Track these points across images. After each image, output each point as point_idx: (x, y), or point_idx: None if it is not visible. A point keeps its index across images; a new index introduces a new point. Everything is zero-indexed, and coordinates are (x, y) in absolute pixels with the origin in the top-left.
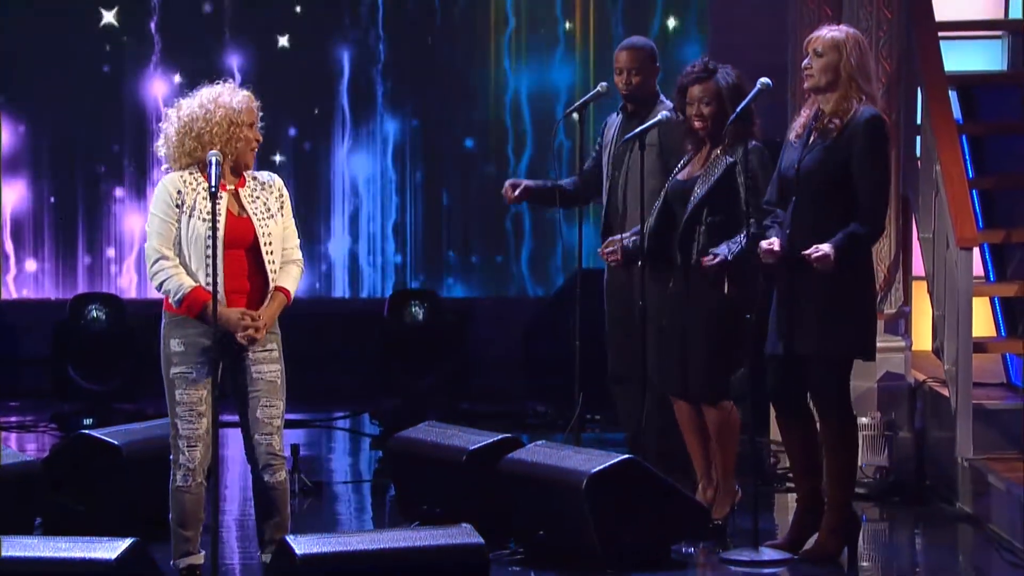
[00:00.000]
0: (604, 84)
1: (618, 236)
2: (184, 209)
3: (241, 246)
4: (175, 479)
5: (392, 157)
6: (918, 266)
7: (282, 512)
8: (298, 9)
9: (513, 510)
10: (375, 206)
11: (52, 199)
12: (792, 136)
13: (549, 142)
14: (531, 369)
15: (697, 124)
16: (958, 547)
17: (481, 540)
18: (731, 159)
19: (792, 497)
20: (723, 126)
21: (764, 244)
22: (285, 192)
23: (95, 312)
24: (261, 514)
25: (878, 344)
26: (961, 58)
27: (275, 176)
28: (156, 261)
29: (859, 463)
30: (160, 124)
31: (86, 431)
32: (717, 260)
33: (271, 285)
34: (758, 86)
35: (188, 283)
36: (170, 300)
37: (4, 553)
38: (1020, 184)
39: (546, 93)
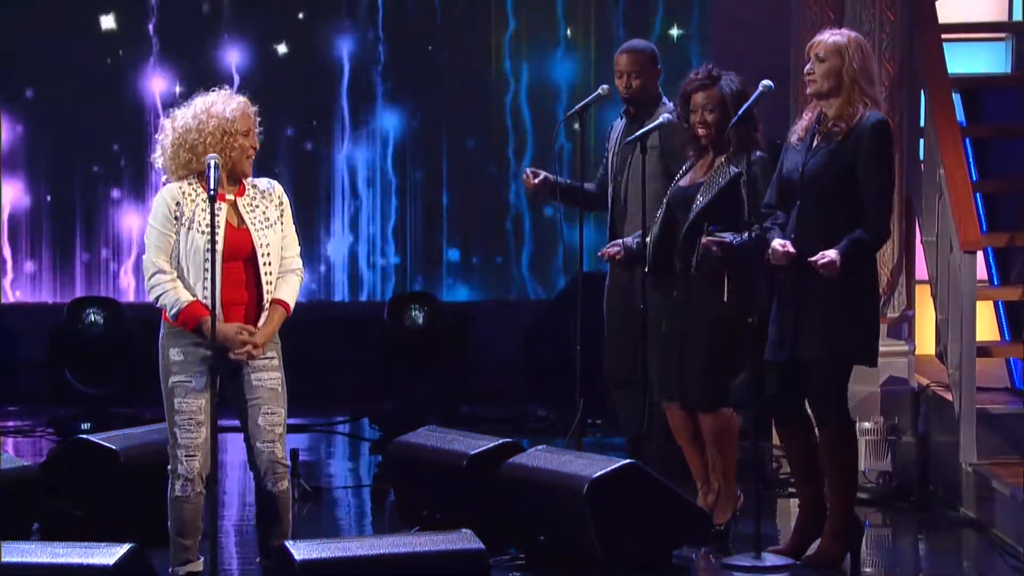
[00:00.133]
0: (605, 87)
1: (620, 240)
2: (183, 221)
3: (239, 257)
4: (174, 489)
5: (392, 158)
6: (921, 270)
7: (284, 519)
8: (297, 10)
9: (514, 515)
10: (375, 208)
11: (48, 198)
12: (794, 139)
13: (550, 144)
14: (532, 373)
15: (701, 131)
16: (962, 553)
17: (481, 545)
18: (736, 169)
19: (794, 502)
20: (730, 131)
21: (778, 245)
22: (285, 199)
23: (93, 316)
24: (263, 522)
25: (881, 348)
26: (965, 60)
27: (275, 183)
28: (154, 275)
29: (862, 468)
30: (156, 136)
31: (83, 436)
32: (723, 243)
33: (267, 296)
34: (760, 88)
35: (185, 297)
36: (167, 314)
37: (1, 559)
38: None
39: (547, 94)
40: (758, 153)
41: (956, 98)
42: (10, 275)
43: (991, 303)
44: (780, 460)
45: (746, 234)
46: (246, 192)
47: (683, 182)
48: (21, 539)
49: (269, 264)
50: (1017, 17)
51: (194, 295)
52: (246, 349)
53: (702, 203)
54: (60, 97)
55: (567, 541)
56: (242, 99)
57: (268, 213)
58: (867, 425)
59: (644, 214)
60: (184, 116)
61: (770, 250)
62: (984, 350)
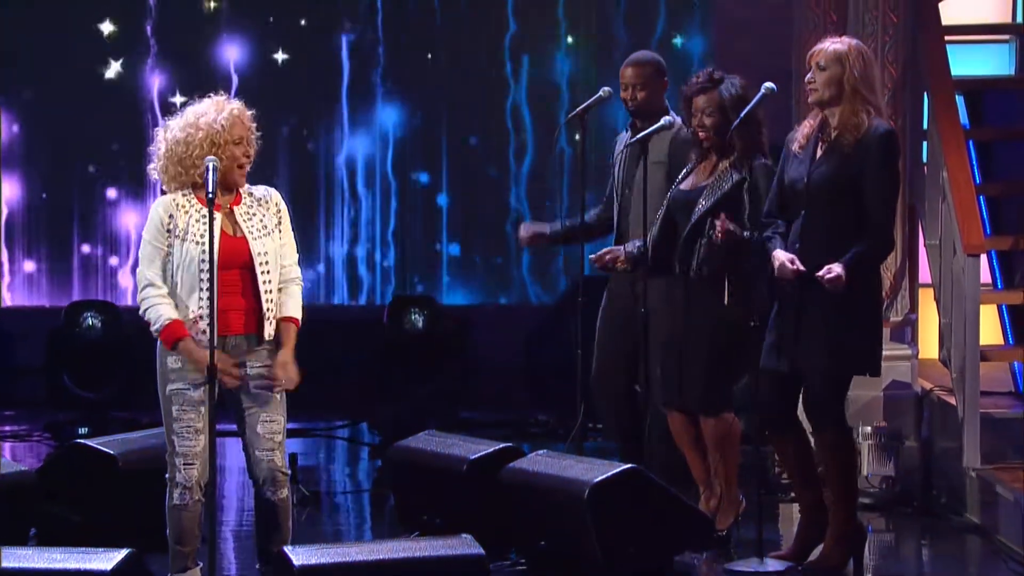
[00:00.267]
0: (607, 89)
1: (616, 248)
2: (176, 233)
3: (235, 266)
4: (172, 497)
5: (392, 161)
6: (924, 273)
7: (284, 527)
8: (296, 12)
9: (514, 520)
10: (374, 209)
11: (45, 197)
12: (795, 147)
13: (551, 146)
14: (532, 377)
15: (700, 135)
16: (965, 558)
17: (482, 551)
18: (739, 174)
19: (796, 507)
20: (729, 135)
21: (787, 262)
22: (283, 206)
23: (90, 320)
24: (262, 529)
25: (884, 352)
26: (968, 62)
27: (272, 191)
28: (143, 288)
29: (865, 473)
30: (150, 148)
31: (81, 440)
32: (732, 231)
33: (266, 304)
34: (762, 91)
35: (167, 315)
36: (152, 328)
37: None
38: None
39: (547, 96)
40: (762, 159)
41: (959, 100)
42: (7, 278)
43: (995, 307)
44: (782, 464)
45: (748, 233)
46: (243, 200)
47: (684, 185)
48: (18, 545)
49: (267, 272)
50: (1020, 19)
51: (187, 306)
52: (226, 381)
53: (705, 207)
54: (58, 96)
55: (568, 546)
56: (235, 106)
57: (265, 221)
58: (870, 430)
59: (645, 221)
60: (174, 128)
61: (777, 265)
62: (987, 354)
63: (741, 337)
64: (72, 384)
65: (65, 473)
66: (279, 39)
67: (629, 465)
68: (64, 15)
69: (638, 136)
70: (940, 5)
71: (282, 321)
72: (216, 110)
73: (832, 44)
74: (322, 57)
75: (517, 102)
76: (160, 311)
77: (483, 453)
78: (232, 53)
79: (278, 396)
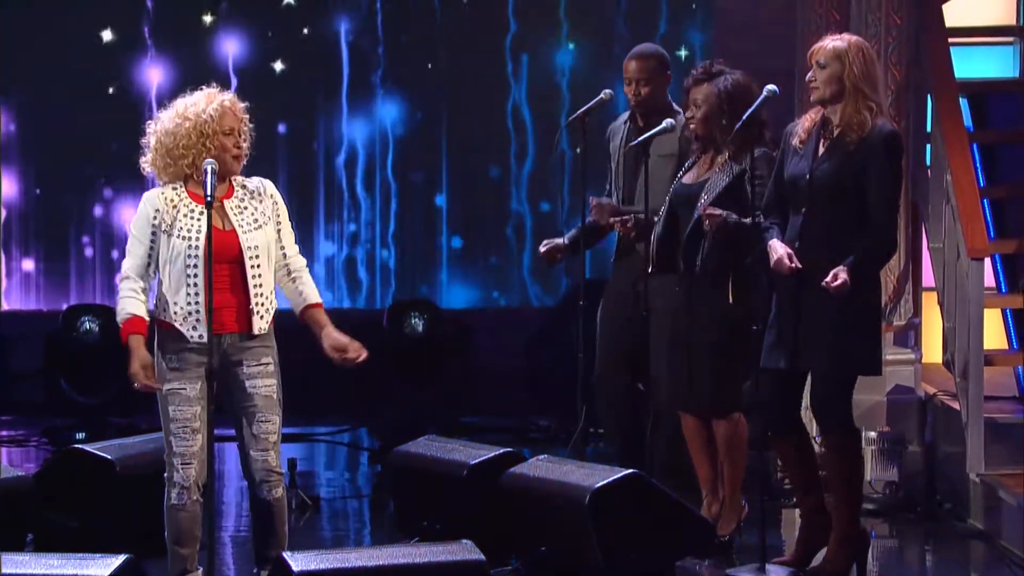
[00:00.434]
0: (608, 91)
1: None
2: (163, 228)
3: (224, 260)
4: (170, 497)
5: (392, 162)
6: (928, 277)
7: (279, 529)
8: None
9: (515, 526)
10: (374, 211)
11: (42, 196)
12: (795, 141)
13: (552, 147)
14: (533, 382)
15: (691, 126)
16: (969, 564)
17: (482, 556)
18: (739, 166)
19: (799, 512)
20: (716, 130)
21: (786, 258)
22: (278, 196)
23: (88, 324)
24: (258, 531)
25: (887, 356)
26: (972, 65)
27: (266, 182)
28: (122, 280)
29: (868, 478)
30: (142, 140)
31: (79, 445)
32: (722, 216)
33: (255, 299)
34: (764, 93)
35: (129, 310)
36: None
37: None
38: None
39: (548, 97)
40: (762, 149)
41: (963, 103)
42: (4, 282)
43: (999, 311)
44: (784, 468)
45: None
46: (234, 193)
47: (686, 179)
48: (15, 550)
49: (257, 267)
50: None
51: (175, 303)
52: (139, 384)
53: (707, 201)
54: (55, 93)
55: (569, 552)
56: (226, 97)
57: (257, 215)
58: (873, 435)
59: (647, 218)
60: (164, 119)
61: (775, 258)
62: (992, 358)
63: (744, 337)
64: (70, 389)
65: (63, 478)
66: (278, 39)
67: (630, 470)
68: (63, 14)
69: (639, 139)
70: (944, 7)
71: (308, 309)
72: (206, 101)
73: (832, 41)
74: (322, 58)
75: (518, 103)
76: (124, 304)
77: (483, 458)
78: (231, 43)
79: (274, 396)
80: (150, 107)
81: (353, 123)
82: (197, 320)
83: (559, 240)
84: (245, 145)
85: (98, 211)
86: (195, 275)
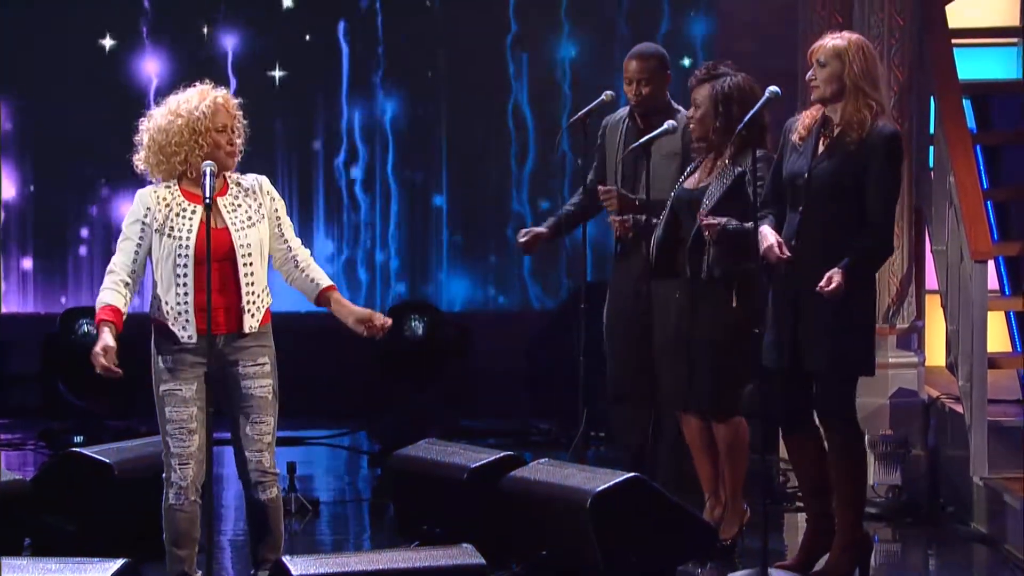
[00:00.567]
0: (609, 93)
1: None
2: (155, 227)
3: (216, 258)
4: (167, 498)
5: (392, 162)
6: (931, 279)
7: (275, 530)
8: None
9: (515, 530)
10: (374, 212)
11: (40, 195)
12: (794, 137)
13: (553, 150)
14: (534, 384)
15: (691, 127)
16: (973, 568)
17: (482, 560)
18: (739, 169)
19: (802, 517)
20: (712, 131)
21: (775, 244)
22: (275, 193)
23: (86, 326)
24: (254, 533)
25: (890, 359)
26: (975, 66)
27: (262, 178)
28: (107, 274)
29: (871, 482)
30: (135, 138)
31: (77, 449)
32: (720, 225)
33: (246, 297)
34: (766, 94)
35: (105, 299)
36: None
37: None
38: None
39: (549, 98)
40: (762, 151)
41: (966, 104)
42: (2, 284)
43: (1002, 313)
44: (787, 473)
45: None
46: (228, 191)
47: (688, 184)
48: (13, 555)
49: (249, 265)
50: None
51: (165, 302)
52: (101, 366)
53: (708, 206)
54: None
55: (569, 556)
56: (220, 94)
57: (251, 212)
58: (876, 438)
59: (647, 220)
60: (157, 116)
61: (765, 245)
62: (995, 361)
63: (746, 340)
64: (67, 392)
65: (60, 482)
66: (278, 40)
67: (631, 474)
68: (62, 14)
69: (640, 142)
70: (947, 8)
71: (323, 292)
72: (199, 98)
73: (832, 39)
74: (322, 58)
75: (518, 103)
76: (102, 295)
77: (484, 462)
78: (230, 47)
79: (268, 397)
80: (148, 106)
81: (353, 123)
82: (187, 320)
83: (540, 229)
84: (239, 141)
85: (96, 211)
86: (185, 274)
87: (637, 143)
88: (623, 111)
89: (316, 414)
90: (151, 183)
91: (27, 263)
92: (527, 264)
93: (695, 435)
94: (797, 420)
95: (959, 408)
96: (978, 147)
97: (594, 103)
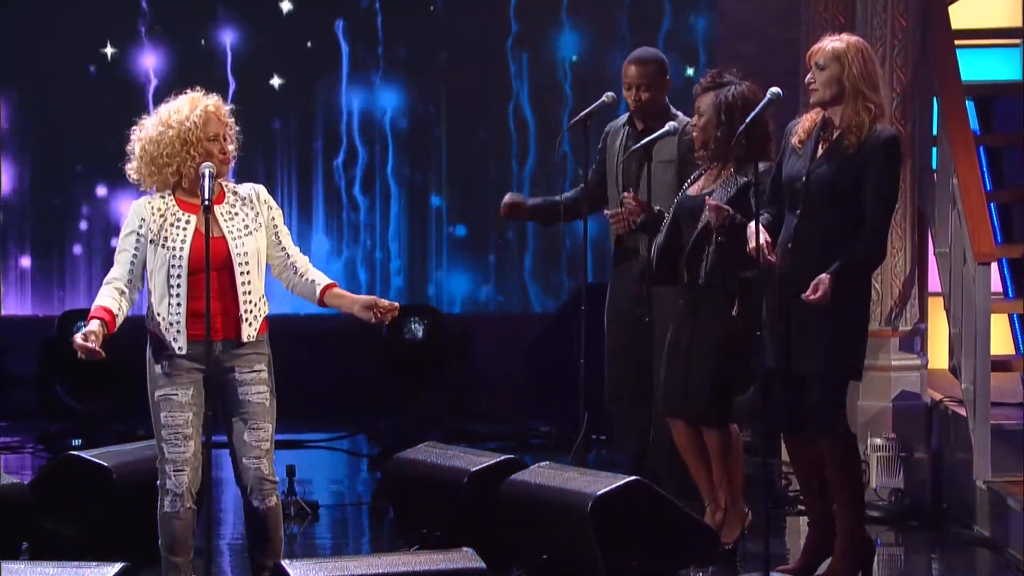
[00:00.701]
0: (610, 94)
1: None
2: (150, 238)
3: (213, 267)
4: (163, 505)
5: (392, 163)
6: (934, 282)
7: (274, 538)
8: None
9: (516, 533)
10: (374, 212)
11: (37, 195)
12: (794, 140)
13: (553, 151)
14: (535, 387)
15: (694, 135)
16: (976, 572)
17: (483, 565)
18: (744, 179)
19: (804, 520)
20: (714, 139)
21: (761, 243)
22: (272, 203)
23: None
24: (253, 540)
25: (893, 362)
26: (978, 67)
27: (259, 187)
28: (103, 285)
29: (874, 485)
30: (127, 147)
31: (75, 452)
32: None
33: (244, 306)
34: (768, 96)
35: (98, 302)
36: None
37: None
38: None
39: (550, 99)
40: (765, 164)
41: (969, 105)
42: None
43: (1006, 316)
44: (789, 477)
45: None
46: (225, 199)
47: (691, 191)
48: (11, 558)
49: (247, 274)
50: None
51: (159, 313)
52: (83, 347)
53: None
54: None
55: (570, 560)
56: (211, 102)
57: (248, 220)
58: (878, 441)
59: (650, 215)
60: (148, 127)
61: (751, 245)
62: (999, 364)
63: (745, 347)
64: (65, 394)
65: (58, 485)
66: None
67: (633, 477)
68: (60, 14)
69: (641, 143)
70: (950, 8)
71: (325, 290)
72: (190, 107)
73: (831, 42)
74: (321, 58)
75: (519, 103)
76: (96, 300)
77: (484, 465)
78: (228, 35)
79: (266, 404)
80: (147, 106)
81: (353, 123)
82: (179, 331)
83: (524, 200)
84: (231, 148)
85: (95, 210)
86: (178, 284)
87: (637, 145)
88: (624, 117)
89: (315, 417)
90: (146, 193)
91: (25, 261)
92: (528, 265)
93: (685, 441)
94: (795, 422)
95: (962, 411)
96: (981, 148)
97: (595, 104)
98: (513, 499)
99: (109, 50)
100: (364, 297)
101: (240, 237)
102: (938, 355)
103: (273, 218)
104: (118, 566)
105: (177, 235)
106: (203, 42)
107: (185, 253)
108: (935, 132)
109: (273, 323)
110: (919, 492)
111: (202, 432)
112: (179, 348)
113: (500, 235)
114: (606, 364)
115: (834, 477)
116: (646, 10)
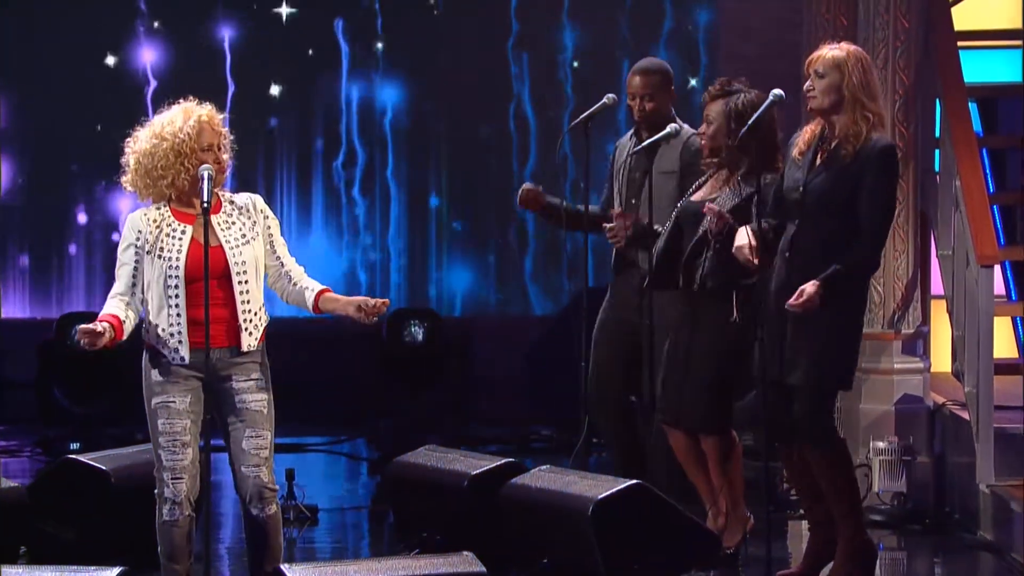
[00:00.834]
0: (611, 96)
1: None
2: (147, 249)
3: (211, 276)
4: (161, 514)
5: (391, 163)
6: (937, 285)
7: (274, 545)
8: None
9: (516, 537)
10: (373, 215)
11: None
12: (795, 152)
13: (554, 152)
14: (535, 391)
15: (703, 143)
16: None
17: (483, 569)
18: (749, 188)
19: (806, 524)
20: (724, 147)
21: (745, 246)
22: (268, 212)
23: None
24: (252, 547)
25: (895, 365)
26: (981, 68)
27: (256, 197)
28: (107, 300)
29: (876, 489)
30: (122, 159)
31: (73, 456)
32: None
33: (242, 315)
34: (770, 98)
35: (106, 309)
36: None
37: None
38: None
39: (551, 100)
40: (771, 175)
41: (972, 107)
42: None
43: (1009, 319)
44: (791, 478)
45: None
46: (222, 208)
47: (695, 197)
48: (8, 563)
49: (245, 283)
50: None
51: (157, 324)
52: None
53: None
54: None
55: (571, 564)
56: (204, 112)
57: (245, 230)
58: (881, 445)
59: (645, 226)
60: (141, 139)
61: (738, 243)
62: (1002, 367)
63: (743, 354)
64: (63, 398)
65: (57, 489)
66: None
67: (634, 481)
68: (60, 14)
69: (643, 144)
70: (952, 10)
71: (319, 296)
72: (183, 118)
73: (830, 51)
74: (321, 59)
75: (520, 104)
76: (104, 308)
77: (484, 469)
78: (227, 31)
79: (264, 411)
80: (146, 107)
81: (352, 123)
82: (180, 341)
83: (546, 196)
84: (225, 158)
85: (94, 210)
86: (176, 295)
87: (640, 145)
88: (630, 132)
89: (315, 420)
90: (141, 205)
91: (23, 261)
92: (528, 268)
93: (682, 448)
94: (785, 431)
95: (965, 415)
96: (984, 150)
97: (596, 106)
98: (514, 503)
99: (108, 51)
100: (355, 299)
101: (238, 246)
102: (941, 358)
103: (269, 227)
104: (116, 570)
105: (173, 245)
106: (202, 42)
107: (181, 263)
108: (938, 134)
109: (273, 327)
110: (922, 496)
111: (200, 438)
112: (181, 358)
113: (501, 236)
114: (588, 366)
115: (827, 487)
116: (647, 11)
